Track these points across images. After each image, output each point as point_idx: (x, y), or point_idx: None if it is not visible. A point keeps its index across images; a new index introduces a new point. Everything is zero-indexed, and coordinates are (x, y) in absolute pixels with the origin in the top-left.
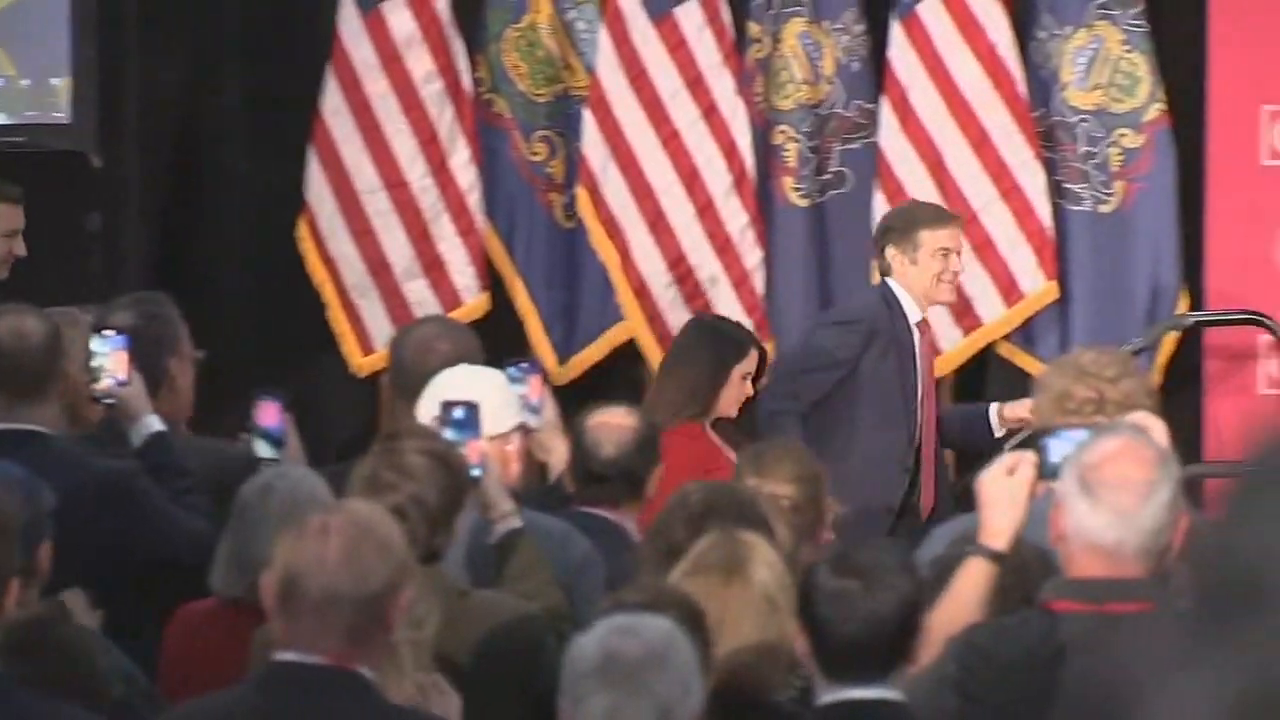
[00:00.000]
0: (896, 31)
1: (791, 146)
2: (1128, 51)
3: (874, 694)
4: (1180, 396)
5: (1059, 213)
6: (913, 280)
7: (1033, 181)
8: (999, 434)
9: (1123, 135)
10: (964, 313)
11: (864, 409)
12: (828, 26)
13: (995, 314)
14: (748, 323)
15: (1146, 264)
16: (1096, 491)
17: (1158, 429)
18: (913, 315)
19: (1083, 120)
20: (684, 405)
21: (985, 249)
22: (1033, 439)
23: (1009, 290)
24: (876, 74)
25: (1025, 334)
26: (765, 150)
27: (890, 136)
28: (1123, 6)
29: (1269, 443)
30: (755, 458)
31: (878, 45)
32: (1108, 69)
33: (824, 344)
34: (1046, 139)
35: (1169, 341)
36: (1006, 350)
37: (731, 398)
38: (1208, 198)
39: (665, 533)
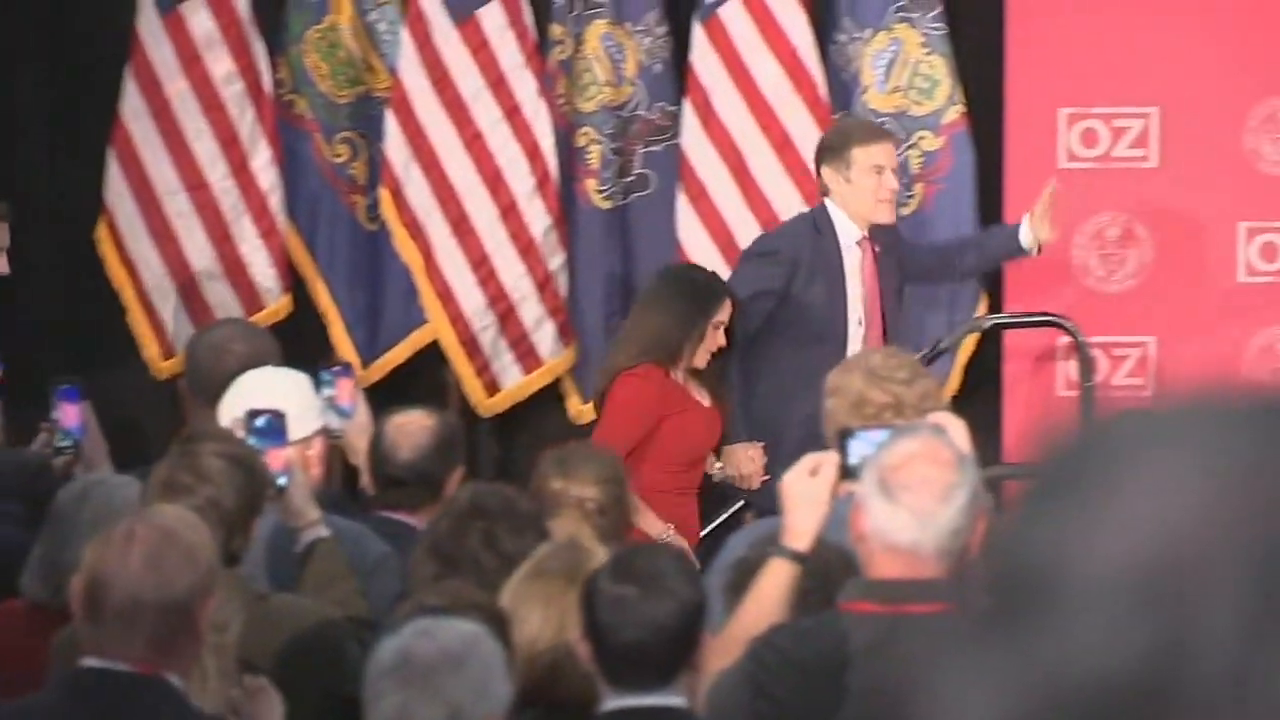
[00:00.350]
0: (698, 34)
1: (594, 148)
2: (927, 54)
3: (656, 701)
4: (980, 398)
5: None
6: (848, 199)
7: None
8: (1027, 246)
9: (922, 137)
10: None
11: (794, 332)
12: (630, 29)
13: None
14: (550, 325)
15: None
16: (895, 493)
17: (958, 430)
18: (849, 235)
19: (883, 123)
20: (649, 351)
21: None
22: (835, 439)
23: None
24: (679, 76)
25: None
26: (568, 152)
27: (693, 139)
28: (922, 10)
29: (1062, 444)
30: (560, 460)
31: (680, 47)
32: (907, 72)
33: (746, 278)
34: None
35: (969, 343)
36: None
37: (705, 349)
38: (1006, 200)
39: (433, 532)
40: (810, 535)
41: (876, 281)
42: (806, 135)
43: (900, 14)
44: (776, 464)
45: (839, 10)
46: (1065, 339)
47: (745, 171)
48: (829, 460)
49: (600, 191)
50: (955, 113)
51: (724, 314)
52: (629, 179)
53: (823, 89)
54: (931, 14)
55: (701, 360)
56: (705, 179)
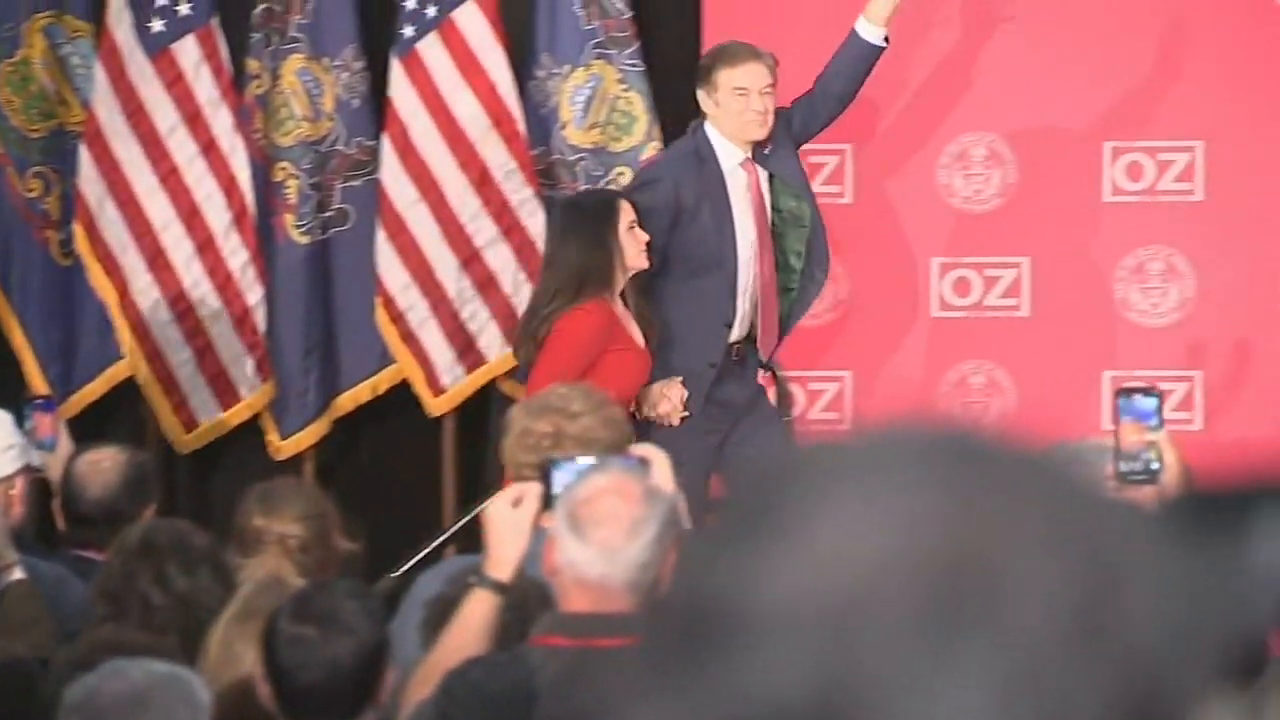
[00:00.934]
0: (396, 69)
1: (292, 183)
2: (625, 91)
3: None
4: None
5: None
6: (720, 121)
7: (533, 220)
8: (873, 39)
9: (621, 173)
10: (466, 350)
11: (684, 263)
12: (327, 63)
13: (498, 352)
14: (249, 360)
15: None
16: (583, 527)
17: (661, 462)
18: (732, 158)
19: (582, 158)
20: (578, 286)
21: (487, 287)
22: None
23: (512, 328)
24: (377, 111)
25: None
26: (266, 187)
27: (392, 174)
28: (619, 47)
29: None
30: (263, 496)
31: (378, 82)
32: (605, 108)
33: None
34: (547, 177)
35: None
36: (510, 388)
37: (633, 252)
38: None
39: (104, 572)
40: (512, 565)
41: (763, 203)
42: (505, 170)
43: (598, 50)
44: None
45: (537, 46)
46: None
47: (444, 206)
48: (532, 491)
49: (298, 226)
50: (653, 149)
51: (629, 214)
52: (327, 214)
53: (521, 124)
54: (629, 51)
55: (641, 261)
56: (404, 213)
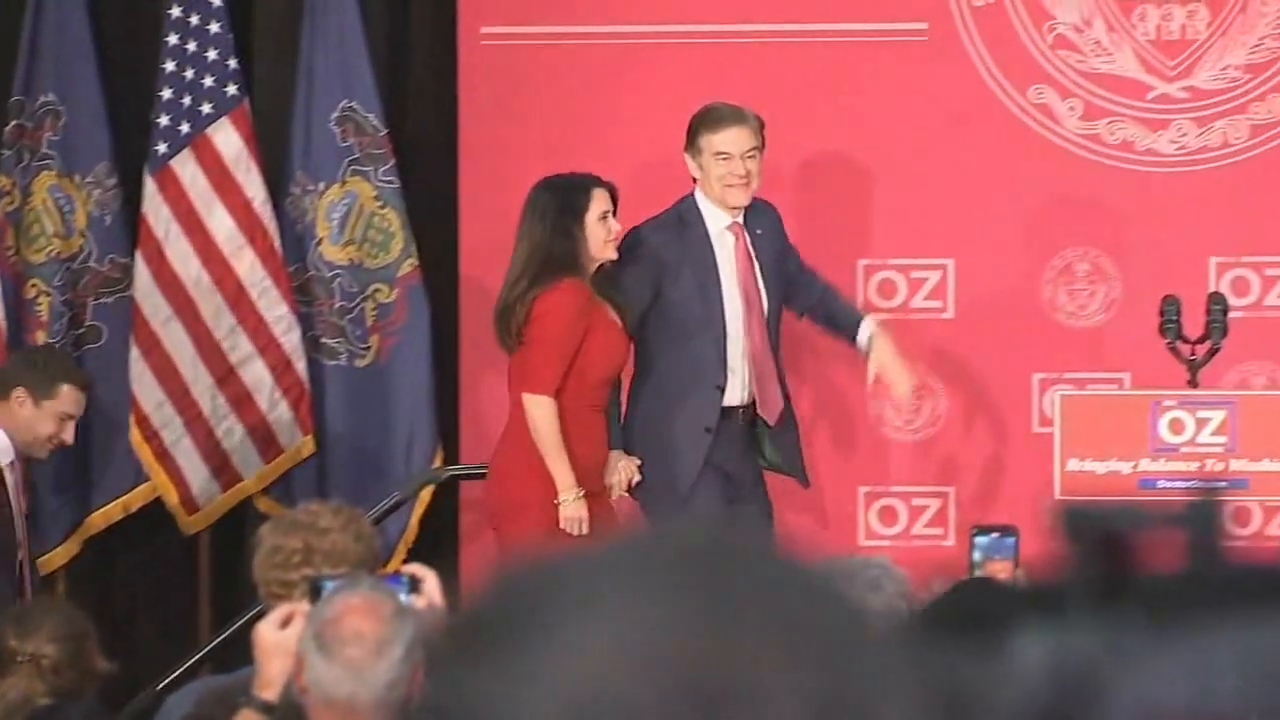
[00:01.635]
0: (150, 185)
1: (44, 300)
2: (381, 208)
3: None
4: (437, 549)
5: (316, 367)
6: (705, 186)
7: (289, 336)
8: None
9: (378, 290)
10: (223, 468)
11: (671, 330)
12: (79, 180)
13: (254, 469)
14: None
15: (404, 417)
16: (330, 646)
17: (431, 581)
18: (718, 222)
19: (338, 275)
20: (539, 268)
21: (243, 404)
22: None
23: (267, 445)
24: (131, 228)
25: (284, 488)
26: (18, 303)
27: (145, 291)
28: (375, 164)
29: (494, 594)
30: (18, 617)
31: (131, 199)
32: (362, 224)
33: (619, 282)
34: (302, 293)
35: (425, 495)
36: (266, 505)
37: (599, 240)
38: (462, 352)
39: None
40: (279, 685)
41: (751, 266)
42: (260, 287)
43: (354, 167)
44: (665, 463)
45: (293, 164)
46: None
47: (199, 322)
48: (300, 611)
49: (50, 343)
50: (410, 265)
51: (600, 204)
52: (79, 331)
53: (276, 241)
54: (385, 168)
55: (608, 252)
56: (158, 330)
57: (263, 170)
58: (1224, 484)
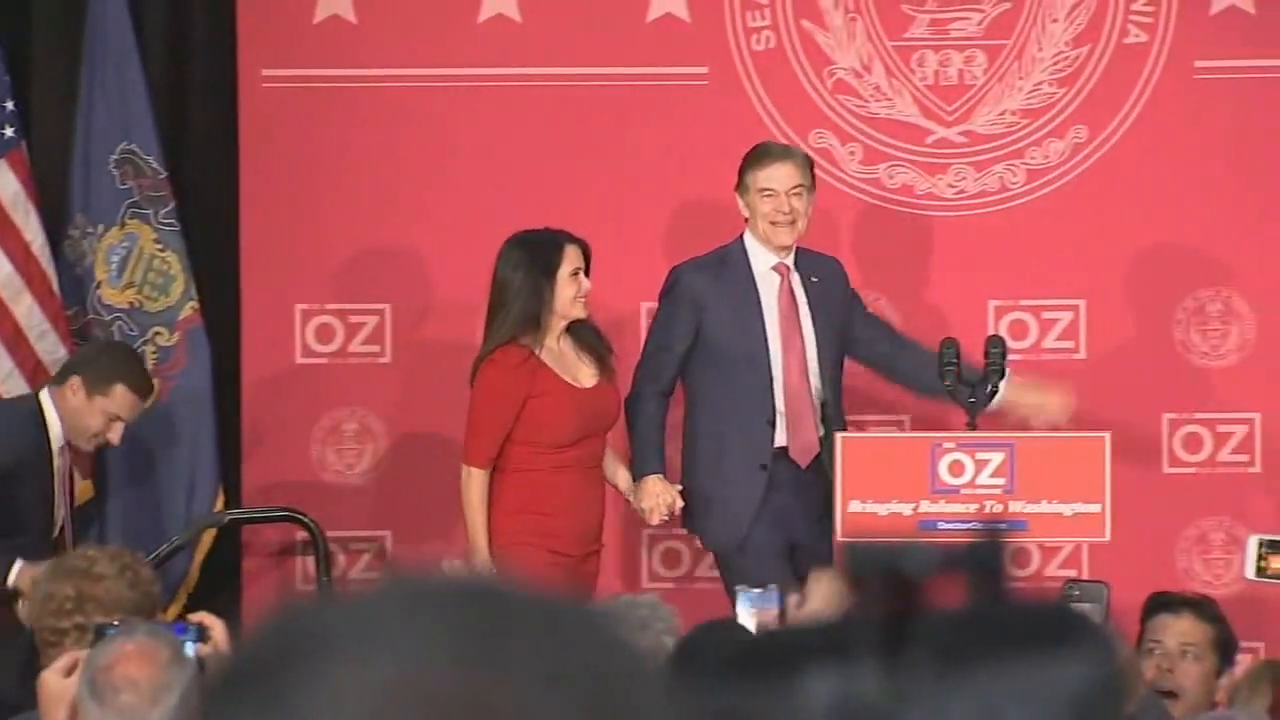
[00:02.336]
0: None
1: None
2: (161, 250)
3: None
4: (221, 594)
5: None
6: (753, 224)
7: None
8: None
9: (158, 333)
10: None
11: (716, 364)
12: None
13: None
14: None
15: (184, 461)
16: (103, 693)
17: (219, 629)
18: (764, 261)
19: (118, 318)
20: (512, 331)
21: None
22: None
23: None
24: None
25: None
26: None
27: None
28: (155, 206)
29: (261, 637)
30: None
31: None
32: (141, 268)
33: (659, 321)
34: (81, 337)
35: (208, 538)
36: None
37: (567, 297)
38: (244, 395)
39: None
40: None
41: (795, 307)
42: (39, 330)
43: (133, 210)
44: (722, 500)
45: (72, 206)
46: (304, 534)
47: None
48: (83, 658)
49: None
50: (190, 309)
51: (571, 262)
52: None
53: (55, 284)
54: (165, 210)
55: (577, 311)
56: None
57: (41, 212)
58: (1004, 525)
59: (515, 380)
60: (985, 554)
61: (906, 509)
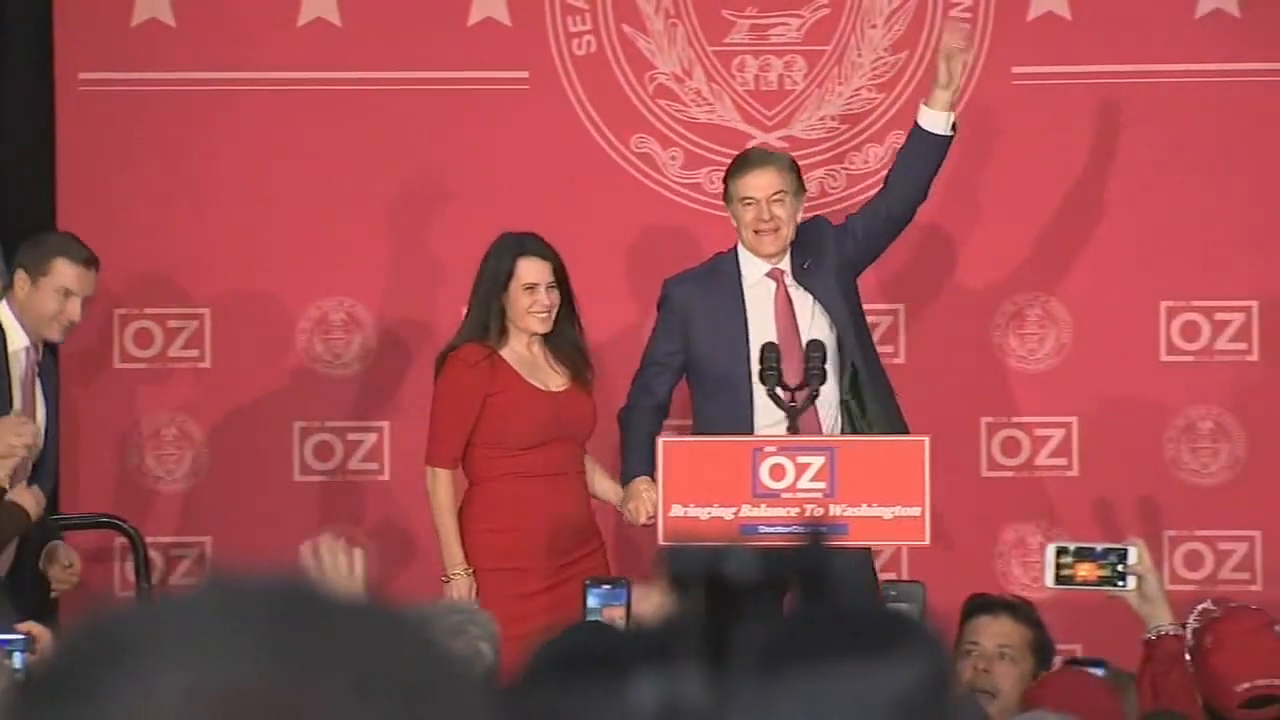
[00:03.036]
0: None
1: None
2: None
3: None
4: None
5: None
6: (740, 234)
7: None
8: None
9: None
10: None
11: (702, 381)
12: None
13: None
14: None
15: None
16: None
17: (46, 639)
18: (755, 271)
19: None
20: (469, 331)
21: None
22: None
23: None
24: None
25: None
26: None
27: None
28: None
29: (62, 644)
30: None
31: None
32: None
33: (652, 334)
34: None
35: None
36: None
37: (520, 310)
38: (62, 400)
39: None
40: None
41: (790, 310)
42: None
43: None
44: None
45: None
46: (123, 539)
47: None
48: None
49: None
50: None
51: (527, 276)
52: None
53: None
54: None
55: (536, 325)
56: None
57: None
58: (825, 529)
59: (475, 377)
60: (810, 557)
61: (728, 513)
